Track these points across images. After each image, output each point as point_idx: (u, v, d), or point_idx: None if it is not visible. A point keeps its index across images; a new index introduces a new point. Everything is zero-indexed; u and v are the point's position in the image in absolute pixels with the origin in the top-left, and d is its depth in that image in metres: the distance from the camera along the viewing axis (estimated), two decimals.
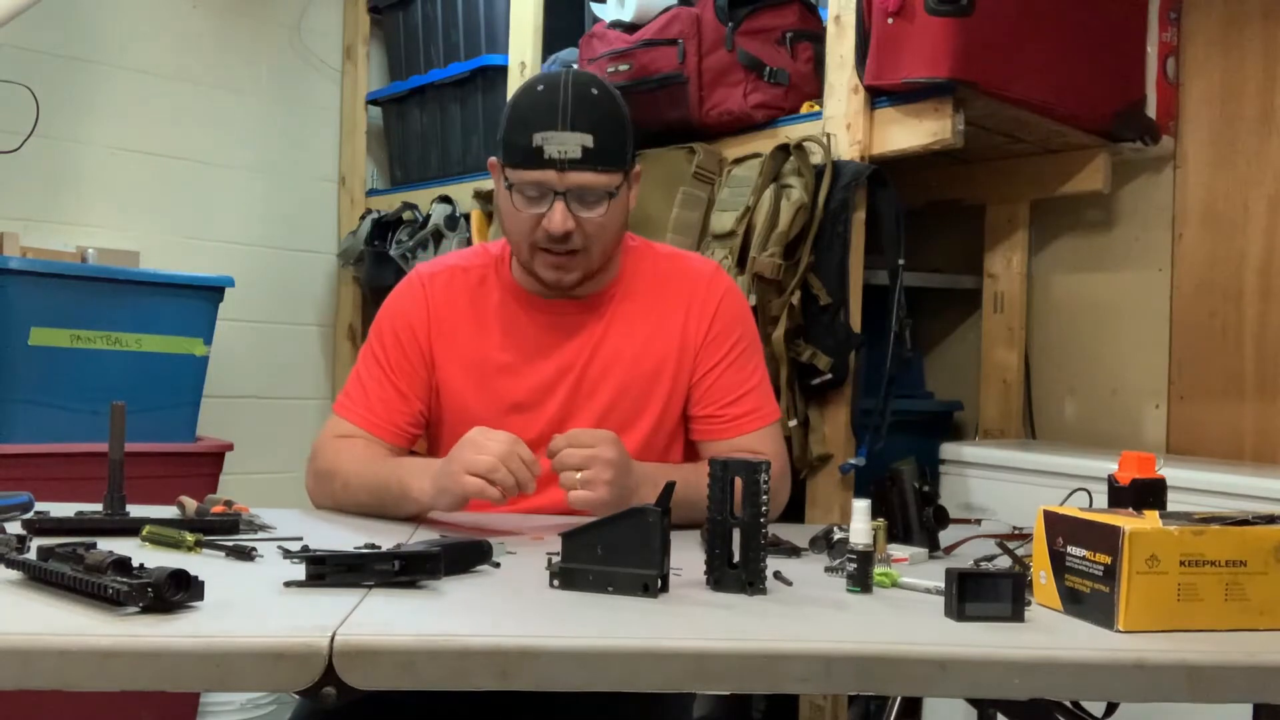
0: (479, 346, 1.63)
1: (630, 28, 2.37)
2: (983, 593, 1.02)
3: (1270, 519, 1.05)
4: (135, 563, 0.98)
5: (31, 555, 1.05)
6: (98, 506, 1.37)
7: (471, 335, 1.63)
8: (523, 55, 2.79)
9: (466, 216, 2.95)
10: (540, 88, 1.52)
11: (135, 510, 1.37)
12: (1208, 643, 0.96)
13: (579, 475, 1.37)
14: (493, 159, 1.60)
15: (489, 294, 1.65)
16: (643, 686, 0.90)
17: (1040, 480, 2.04)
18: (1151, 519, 1.03)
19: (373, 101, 3.53)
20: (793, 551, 1.34)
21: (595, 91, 1.52)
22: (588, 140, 1.47)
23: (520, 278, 1.64)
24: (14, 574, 1.05)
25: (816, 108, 2.19)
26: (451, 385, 1.63)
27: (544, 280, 1.58)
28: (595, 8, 2.50)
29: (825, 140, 2.10)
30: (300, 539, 1.27)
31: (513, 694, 0.88)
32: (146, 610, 0.92)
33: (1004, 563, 1.23)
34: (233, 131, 3.30)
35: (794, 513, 2.17)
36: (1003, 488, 2.15)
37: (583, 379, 1.60)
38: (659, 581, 1.08)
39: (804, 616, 1.04)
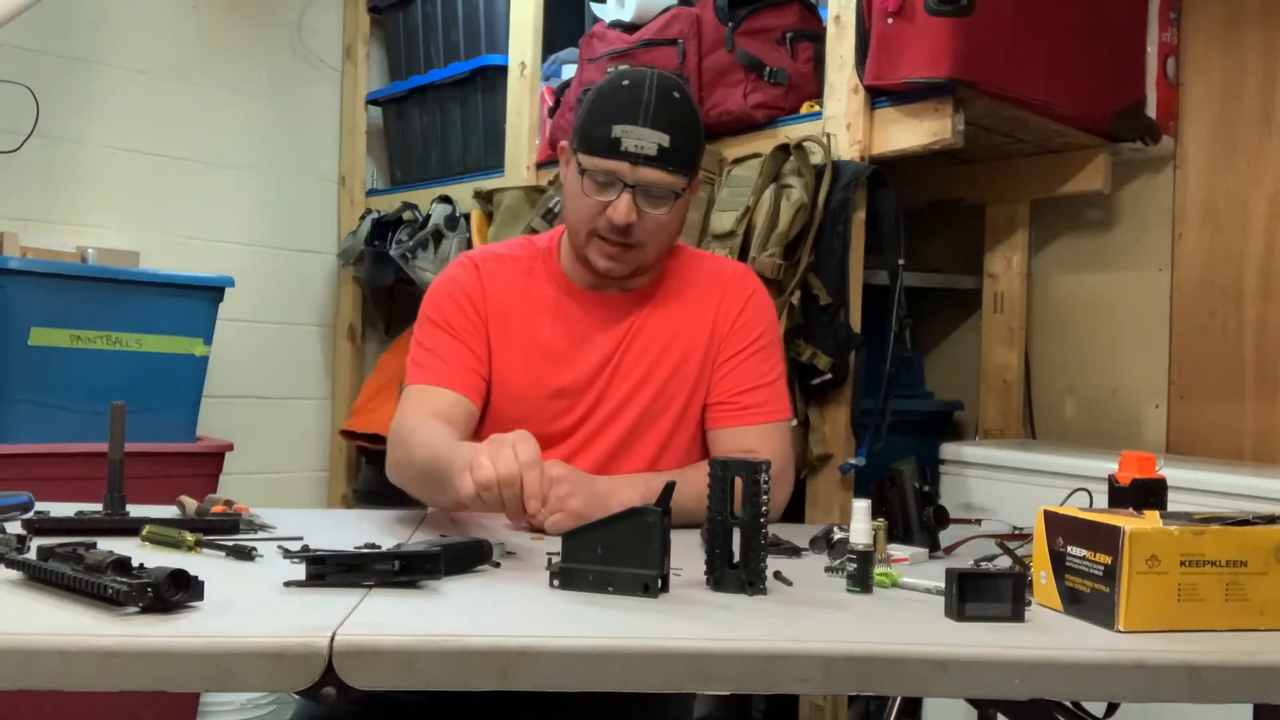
0: (530, 331, 1.65)
1: (630, 28, 2.37)
2: (983, 593, 1.02)
3: (1270, 519, 1.05)
4: (135, 563, 0.98)
5: (31, 555, 1.05)
6: (98, 506, 1.37)
7: (523, 320, 1.65)
8: (523, 55, 2.79)
9: (466, 216, 2.94)
10: (625, 82, 1.55)
11: (135, 510, 1.37)
12: (1208, 643, 0.96)
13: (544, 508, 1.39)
14: (564, 143, 1.64)
15: (538, 283, 1.67)
16: (643, 686, 0.90)
17: (1040, 480, 2.04)
18: (1152, 519, 1.03)
19: (373, 101, 3.53)
20: (793, 551, 1.34)
21: (677, 95, 1.56)
22: (664, 140, 1.52)
23: (570, 270, 1.67)
24: (14, 574, 1.05)
25: (816, 108, 2.19)
26: (502, 365, 1.64)
27: (596, 268, 1.61)
28: (595, 8, 2.50)
29: (825, 140, 2.09)
30: (300, 539, 1.27)
31: (513, 694, 0.88)
32: (146, 610, 0.92)
33: (1004, 563, 1.23)
34: (233, 131, 3.30)
35: (794, 513, 2.16)
36: (1003, 488, 2.15)
37: (618, 369, 1.64)
38: (659, 581, 1.08)
39: (804, 616, 1.04)
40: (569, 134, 1.63)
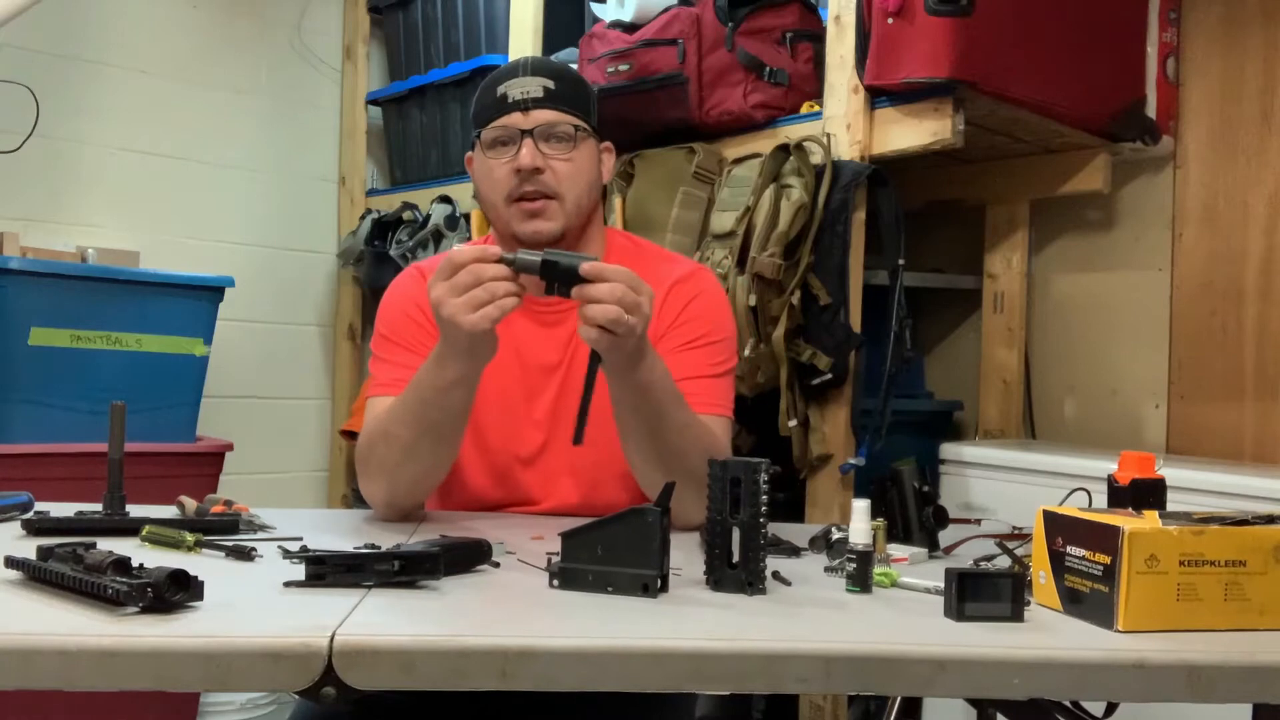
0: None
1: (630, 28, 2.37)
2: (982, 593, 1.02)
3: (1270, 519, 1.05)
4: (135, 563, 0.98)
5: (31, 555, 1.05)
6: (98, 506, 1.37)
7: None
8: (522, 55, 2.79)
9: (466, 216, 2.95)
10: (504, 65, 1.63)
11: (135, 510, 1.37)
12: (1208, 643, 0.96)
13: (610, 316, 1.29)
14: (469, 153, 1.63)
15: None
16: (643, 686, 0.90)
17: (1040, 480, 2.04)
18: (1151, 519, 1.03)
19: (373, 101, 3.53)
20: (793, 551, 1.34)
21: (554, 60, 1.62)
22: (549, 83, 1.55)
23: None
24: (14, 574, 1.05)
25: (816, 108, 2.19)
26: None
27: (523, 237, 1.55)
28: (595, 8, 2.50)
29: (825, 140, 2.10)
30: (300, 539, 1.27)
31: (512, 694, 0.89)
32: (146, 610, 0.92)
33: (1004, 563, 1.23)
34: (233, 131, 3.30)
35: (794, 513, 2.17)
36: (1003, 488, 2.15)
37: (569, 375, 1.59)
38: (659, 581, 1.08)
39: (804, 616, 1.04)
40: None
